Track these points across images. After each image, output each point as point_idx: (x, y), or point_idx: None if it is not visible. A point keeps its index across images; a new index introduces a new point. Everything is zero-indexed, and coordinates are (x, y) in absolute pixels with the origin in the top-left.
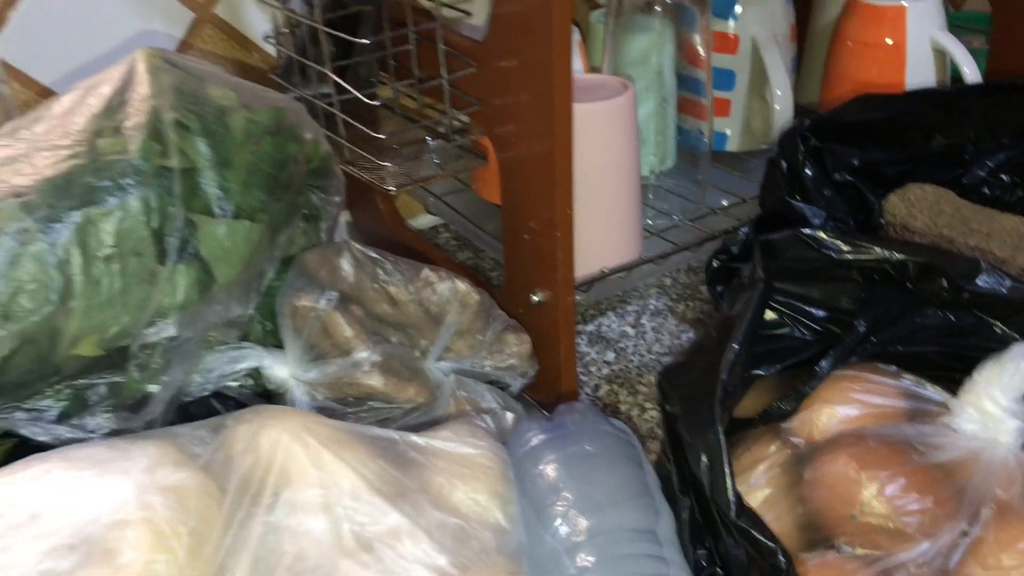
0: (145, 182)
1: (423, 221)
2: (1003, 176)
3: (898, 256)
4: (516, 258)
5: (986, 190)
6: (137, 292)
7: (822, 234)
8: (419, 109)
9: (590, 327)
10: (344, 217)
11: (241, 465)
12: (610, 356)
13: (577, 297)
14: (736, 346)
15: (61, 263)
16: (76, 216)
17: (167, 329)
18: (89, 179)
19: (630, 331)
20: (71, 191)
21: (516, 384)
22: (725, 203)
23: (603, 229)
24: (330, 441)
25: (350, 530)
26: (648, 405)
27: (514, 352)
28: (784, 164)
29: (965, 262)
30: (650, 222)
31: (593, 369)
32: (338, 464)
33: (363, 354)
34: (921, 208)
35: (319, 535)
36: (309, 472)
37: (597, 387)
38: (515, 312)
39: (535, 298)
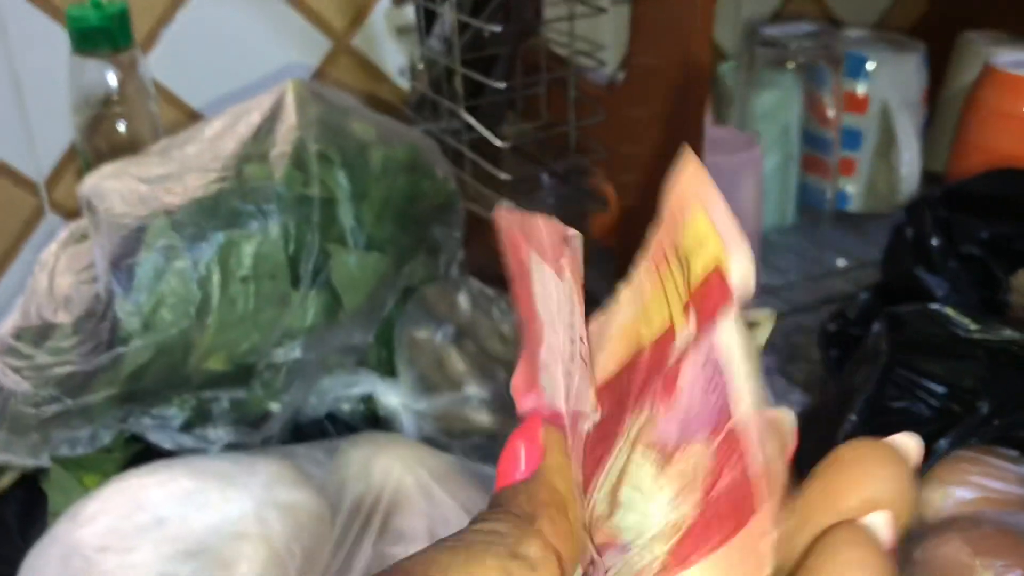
0: (286, 209)
1: None
2: None
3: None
4: None
5: None
6: (269, 313)
7: (950, 311)
8: (542, 154)
9: None
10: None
11: (354, 490)
12: None
13: None
14: (854, 417)
15: (202, 280)
16: (220, 237)
17: (294, 351)
18: (234, 203)
19: None
20: (217, 213)
21: None
22: (842, 263)
23: None
24: (440, 474)
25: None
26: None
27: None
28: (910, 232)
29: None
30: (765, 280)
31: None
32: (446, 499)
33: (474, 390)
34: None
35: None
36: (418, 504)
37: None
38: None
39: None
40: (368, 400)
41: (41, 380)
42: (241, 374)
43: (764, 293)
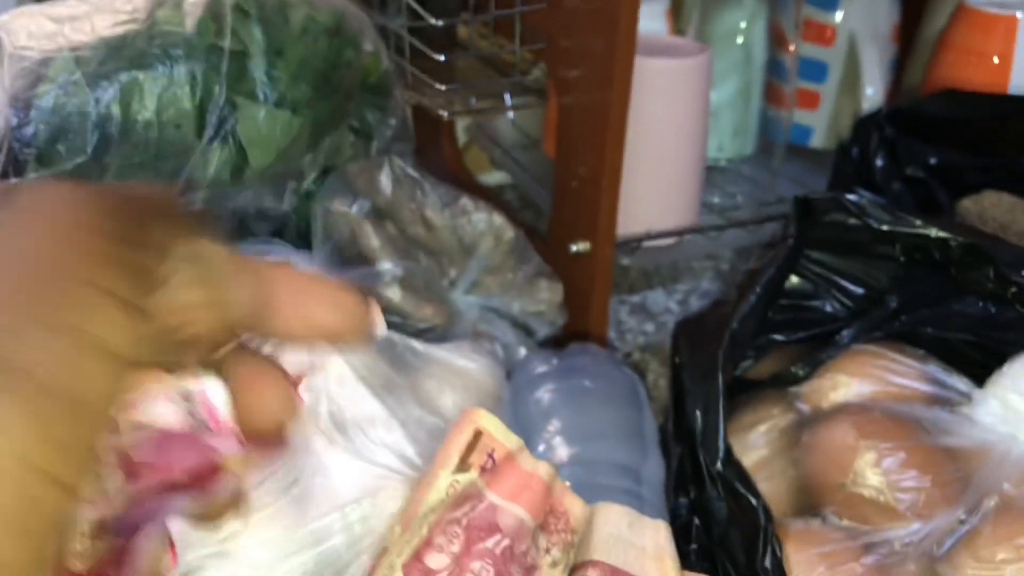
0: (194, 56)
1: (492, 178)
2: None
3: (943, 234)
4: (562, 207)
5: None
6: (171, 161)
7: (865, 201)
8: (493, 52)
9: (635, 298)
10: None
11: None
12: (649, 327)
13: (624, 261)
14: (752, 298)
15: (101, 119)
16: (123, 76)
17: (195, 203)
18: (141, 44)
19: (675, 307)
20: (122, 53)
21: (542, 331)
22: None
23: (655, 191)
24: None
25: (327, 410)
26: None
27: (545, 298)
28: (855, 151)
29: (1015, 250)
30: (716, 200)
31: (629, 337)
32: (328, 351)
33: (386, 266)
34: (994, 215)
35: None
36: (301, 353)
37: (629, 354)
38: (556, 264)
39: (574, 248)
40: None
41: None
42: None
43: (708, 211)
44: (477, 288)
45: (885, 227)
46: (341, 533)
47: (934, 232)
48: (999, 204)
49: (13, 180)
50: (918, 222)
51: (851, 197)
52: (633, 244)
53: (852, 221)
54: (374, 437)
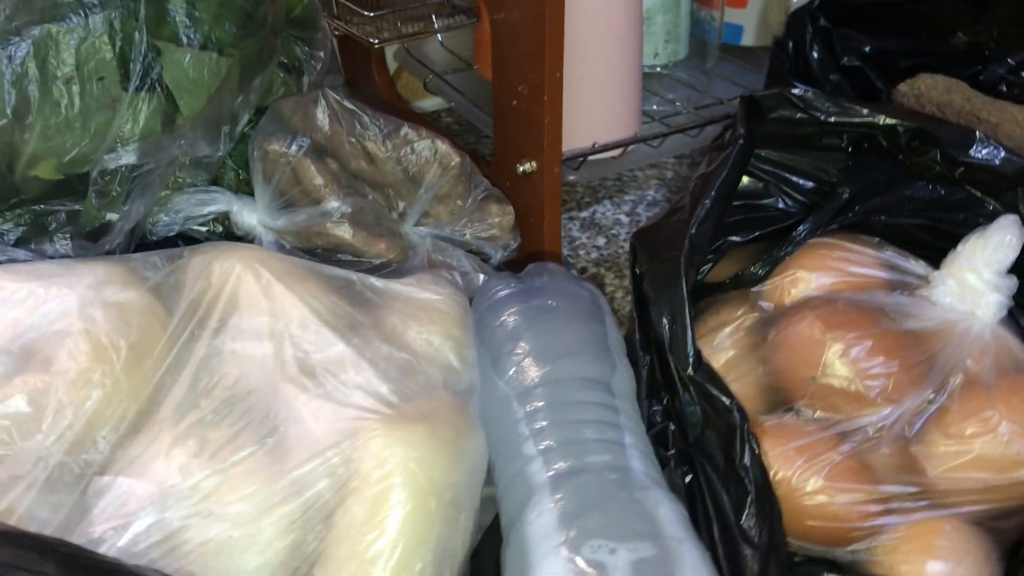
0: (109, 3)
1: (426, 104)
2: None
3: (889, 120)
4: (504, 128)
5: (1004, 88)
6: (98, 116)
7: (810, 93)
8: None
9: (584, 213)
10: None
11: (192, 291)
12: (601, 241)
13: (570, 176)
14: (707, 202)
15: (17, 78)
16: (35, 31)
17: (127, 156)
18: None
19: (624, 219)
20: (32, 6)
21: (497, 256)
22: (730, 94)
23: (597, 104)
24: (283, 274)
25: (294, 356)
26: None
27: (496, 222)
28: (791, 45)
29: (959, 130)
30: (655, 107)
31: (582, 253)
32: (288, 295)
33: (333, 204)
34: (931, 98)
35: (262, 360)
36: (259, 301)
37: (584, 269)
38: (503, 186)
39: (521, 168)
40: (225, 220)
41: None
42: (75, 185)
43: (651, 120)
44: (427, 219)
45: (832, 119)
46: (325, 478)
47: (881, 120)
48: (935, 86)
49: None
50: (864, 111)
51: (796, 91)
52: (579, 159)
53: (799, 116)
54: (345, 380)
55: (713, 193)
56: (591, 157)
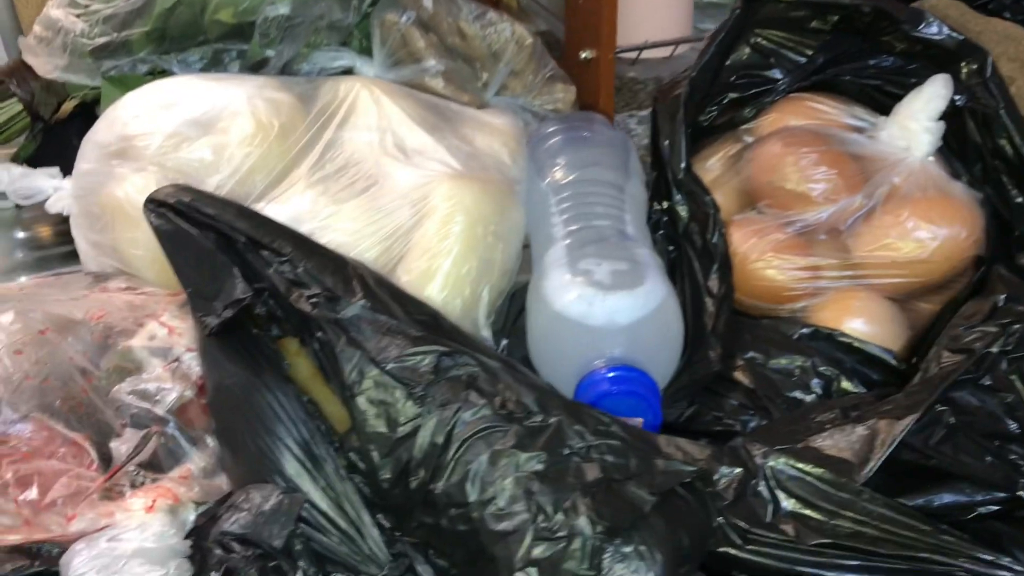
0: None
1: None
2: None
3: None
4: (572, 21)
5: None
6: None
7: None
8: None
9: (643, 112)
10: None
11: (324, 97)
12: None
13: (630, 73)
14: (707, 55)
15: None
16: None
17: (283, 8)
18: None
19: None
20: None
21: None
22: None
23: (652, 3)
24: (389, 92)
25: (392, 141)
26: None
27: (560, 98)
28: None
29: (913, 11)
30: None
31: (634, 140)
32: (391, 104)
33: (431, 62)
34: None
35: (369, 143)
36: (370, 107)
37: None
38: (569, 71)
39: (583, 55)
40: (349, 73)
41: (93, 20)
42: (246, 31)
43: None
44: (504, 91)
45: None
46: (408, 207)
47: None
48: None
49: None
50: None
51: None
52: (634, 53)
53: None
54: (428, 156)
55: (713, 47)
56: (644, 54)
